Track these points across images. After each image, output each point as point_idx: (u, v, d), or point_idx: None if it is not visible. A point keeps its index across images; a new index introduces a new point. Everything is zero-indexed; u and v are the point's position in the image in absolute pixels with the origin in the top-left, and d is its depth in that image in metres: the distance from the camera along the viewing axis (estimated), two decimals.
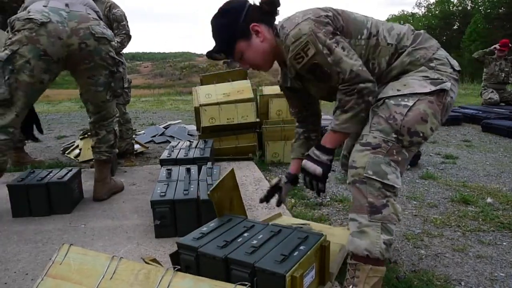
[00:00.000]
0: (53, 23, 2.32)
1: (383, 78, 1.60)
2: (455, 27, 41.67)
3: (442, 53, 1.60)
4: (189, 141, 3.66)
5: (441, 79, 1.51)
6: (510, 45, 7.58)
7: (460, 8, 41.68)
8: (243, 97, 3.91)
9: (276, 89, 4.60)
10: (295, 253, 1.41)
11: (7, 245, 2.12)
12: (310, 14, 1.51)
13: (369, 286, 1.46)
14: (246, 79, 4.33)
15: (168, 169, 2.60)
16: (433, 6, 43.98)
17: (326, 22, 1.50)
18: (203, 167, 2.68)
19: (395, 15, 50.47)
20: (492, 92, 7.43)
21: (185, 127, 5.47)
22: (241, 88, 4.03)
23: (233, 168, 1.97)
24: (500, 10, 34.58)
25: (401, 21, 47.20)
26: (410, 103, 1.46)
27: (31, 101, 2.47)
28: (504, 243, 2.19)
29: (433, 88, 1.48)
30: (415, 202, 2.80)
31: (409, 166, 3.67)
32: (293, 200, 2.80)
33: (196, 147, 3.39)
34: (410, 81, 1.51)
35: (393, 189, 1.46)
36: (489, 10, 36.16)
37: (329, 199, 2.85)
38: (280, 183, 1.97)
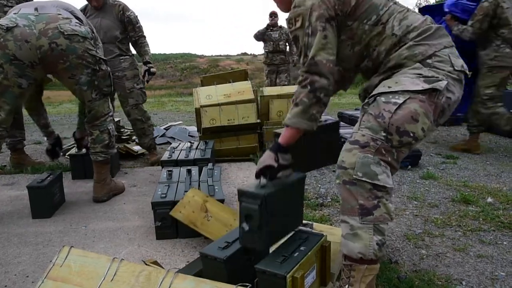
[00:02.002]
0: (19, 27, 2.34)
1: (380, 68, 1.57)
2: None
3: (447, 51, 1.51)
4: (190, 142, 3.66)
5: (436, 77, 1.43)
6: None
7: None
8: (243, 98, 3.91)
9: (276, 90, 4.61)
10: (296, 254, 1.41)
11: (7, 248, 2.12)
12: None
13: (365, 285, 1.45)
14: (246, 80, 4.33)
15: (169, 171, 2.60)
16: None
17: (333, 4, 1.50)
18: (204, 168, 2.69)
19: None
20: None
21: (185, 128, 5.47)
22: (242, 89, 4.03)
23: (194, 186, 2.16)
24: None
25: None
26: (400, 101, 1.41)
27: (15, 104, 2.53)
28: (505, 243, 2.18)
29: (426, 86, 1.41)
30: (416, 202, 2.80)
31: (409, 166, 3.67)
32: None
33: (197, 148, 3.39)
34: (402, 78, 1.46)
35: (385, 188, 1.42)
36: None
37: (330, 200, 2.85)
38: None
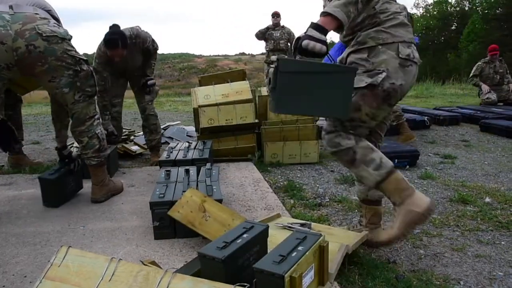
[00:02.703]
0: None
1: (351, 27, 1.86)
2: (453, 27, 41.71)
3: (403, 44, 1.81)
4: (188, 142, 3.66)
5: (378, 70, 1.78)
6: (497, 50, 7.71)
7: (458, 8, 41.73)
8: (241, 98, 3.91)
9: None
10: (294, 254, 1.41)
11: (5, 248, 2.12)
12: None
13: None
14: (244, 80, 4.33)
15: (167, 171, 2.60)
16: (431, 6, 43.99)
17: None
18: (202, 168, 2.68)
19: None
20: (489, 92, 7.46)
21: (184, 128, 5.46)
22: (240, 89, 4.03)
23: (192, 186, 2.18)
24: (498, 11, 34.63)
25: None
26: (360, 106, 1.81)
27: None
28: (503, 242, 2.19)
29: (368, 81, 1.77)
30: None
31: (407, 166, 3.68)
32: (292, 201, 2.80)
33: (195, 148, 3.39)
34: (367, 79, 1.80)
35: (352, 146, 1.86)
36: (486, 11, 36.20)
37: (328, 200, 2.85)
38: None
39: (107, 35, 3.41)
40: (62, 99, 2.56)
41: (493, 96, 7.41)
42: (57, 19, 2.56)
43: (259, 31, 7.57)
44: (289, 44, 7.53)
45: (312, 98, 1.70)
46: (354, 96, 1.78)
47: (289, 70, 1.63)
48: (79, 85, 2.53)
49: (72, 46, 2.49)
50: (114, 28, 3.49)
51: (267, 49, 7.66)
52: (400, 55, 1.78)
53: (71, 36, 2.52)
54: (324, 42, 1.63)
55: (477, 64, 7.85)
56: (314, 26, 1.65)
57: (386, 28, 1.81)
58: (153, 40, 3.84)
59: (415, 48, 1.87)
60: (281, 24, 7.57)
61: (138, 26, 3.77)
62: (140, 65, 3.85)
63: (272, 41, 7.54)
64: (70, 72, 2.47)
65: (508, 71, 7.68)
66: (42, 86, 2.58)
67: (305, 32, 1.64)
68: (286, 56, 1.82)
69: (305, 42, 1.61)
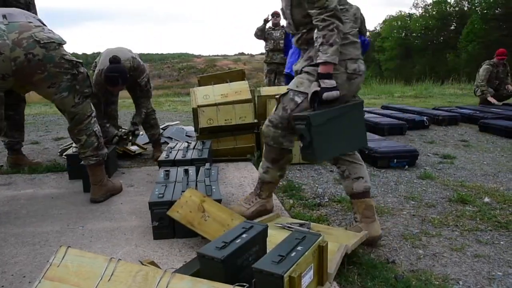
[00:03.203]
0: None
1: (306, 40, 2.12)
2: (452, 27, 41.74)
3: (352, 64, 2.06)
4: (187, 142, 3.66)
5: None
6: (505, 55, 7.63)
7: (457, 8, 41.76)
8: (241, 98, 3.91)
9: (273, 90, 4.60)
10: (293, 254, 1.41)
11: (4, 248, 2.11)
12: None
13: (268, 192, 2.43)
14: (244, 80, 4.33)
15: (166, 171, 2.60)
16: (430, 6, 44.02)
17: None
18: (201, 168, 2.68)
19: (392, 15, 50.49)
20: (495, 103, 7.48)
21: (183, 128, 5.46)
22: (239, 89, 4.03)
23: (191, 186, 2.22)
24: (497, 11, 34.67)
25: (399, 21, 47.28)
26: (299, 101, 2.06)
27: None
28: (502, 242, 2.19)
29: (314, 89, 1.95)
30: (413, 202, 2.80)
31: (406, 166, 3.68)
32: (291, 201, 2.80)
33: (194, 148, 3.38)
34: (305, 81, 2.06)
35: (289, 150, 2.26)
36: (485, 11, 36.23)
37: (327, 200, 2.85)
38: None
39: (108, 71, 3.40)
40: (61, 104, 2.56)
41: (490, 90, 7.53)
42: (44, 25, 2.55)
43: (257, 28, 7.55)
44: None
45: (340, 137, 1.96)
46: (304, 100, 2.04)
47: (319, 123, 1.86)
48: (78, 88, 2.55)
49: (66, 51, 2.49)
50: (115, 62, 3.50)
51: (267, 49, 7.65)
52: (348, 70, 2.03)
53: (65, 41, 2.52)
54: (336, 88, 1.93)
55: (484, 67, 7.53)
56: (323, 76, 1.93)
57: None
58: (147, 80, 3.89)
59: (361, 61, 2.11)
60: (281, 24, 7.54)
61: (138, 56, 3.82)
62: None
63: (272, 41, 7.53)
64: (69, 77, 2.48)
65: (509, 76, 7.61)
66: (39, 93, 2.54)
67: (318, 86, 1.92)
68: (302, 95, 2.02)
69: (325, 95, 1.90)
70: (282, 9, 2.18)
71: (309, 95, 1.96)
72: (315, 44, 1.95)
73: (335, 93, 1.91)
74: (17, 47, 2.25)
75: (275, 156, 2.26)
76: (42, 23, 2.51)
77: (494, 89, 7.58)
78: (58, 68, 2.41)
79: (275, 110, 2.18)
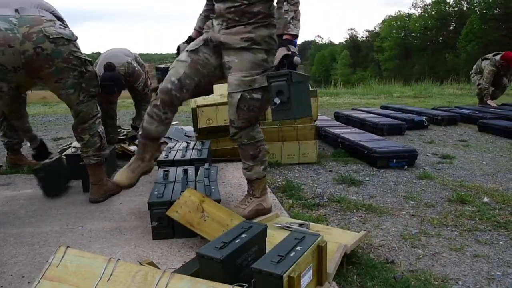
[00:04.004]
0: (1, 31, 2.23)
1: (243, 12, 2.15)
2: (451, 27, 41.80)
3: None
4: (186, 142, 3.65)
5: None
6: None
7: (456, 9, 41.83)
8: None
9: None
10: (292, 254, 1.41)
11: (3, 248, 2.11)
12: None
13: (260, 190, 2.45)
14: None
15: (165, 171, 2.60)
16: (429, 7, 44.09)
17: None
18: (200, 168, 2.68)
19: (391, 15, 50.56)
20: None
21: (182, 128, 5.46)
22: None
23: (190, 187, 2.25)
24: (496, 11, 34.74)
25: (398, 21, 47.31)
26: (260, 96, 2.20)
27: None
28: (501, 242, 2.19)
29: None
30: (412, 202, 2.80)
31: (406, 166, 3.69)
32: (290, 201, 2.80)
33: (193, 148, 3.38)
34: (255, 77, 2.16)
35: (262, 139, 2.38)
36: (484, 11, 36.29)
37: (326, 200, 2.85)
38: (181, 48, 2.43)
39: (103, 79, 3.38)
40: (67, 99, 2.59)
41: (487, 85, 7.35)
42: (61, 19, 2.56)
43: None
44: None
45: (303, 101, 2.04)
46: (264, 95, 2.18)
47: (297, 80, 1.96)
48: (84, 86, 2.56)
49: (78, 47, 2.51)
50: (110, 70, 3.51)
51: None
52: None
53: (77, 37, 2.54)
54: (293, 52, 2.05)
55: (490, 69, 7.17)
56: (289, 42, 2.05)
57: (273, 35, 2.20)
58: (144, 84, 3.92)
59: None
60: None
61: (138, 56, 3.82)
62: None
63: None
64: (76, 74, 2.49)
65: (510, 81, 7.41)
66: (48, 87, 2.58)
67: (288, 50, 2.03)
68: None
69: (295, 59, 2.02)
70: None
71: (279, 59, 2.04)
72: (285, 16, 2.09)
73: (299, 59, 2.05)
74: (27, 41, 2.29)
75: (253, 152, 2.35)
76: (58, 17, 2.54)
77: (496, 85, 7.41)
78: (66, 63, 2.42)
79: (234, 116, 2.26)
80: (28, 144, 3.92)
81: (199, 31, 2.45)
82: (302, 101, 2.03)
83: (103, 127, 2.79)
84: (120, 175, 2.32)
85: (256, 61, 2.18)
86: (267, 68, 2.18)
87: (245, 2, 2.13)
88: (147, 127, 2.30)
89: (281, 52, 2.04)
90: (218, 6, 2.20)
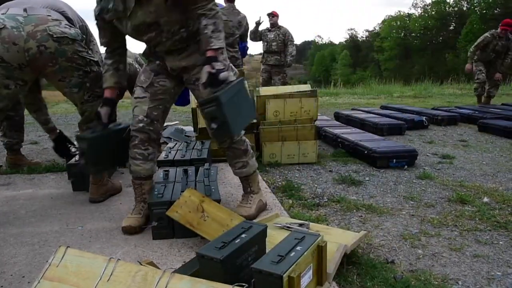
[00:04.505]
0: (7, 29, 2.27)
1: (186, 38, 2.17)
2: (451, 27, 41.80)
3: None
4: (186, 142, 3.65)
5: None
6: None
7: (456, 9, 41.83)
8: None
9: (273, 90, 4.61)
10: (292, 254, 1.41)
11: (3, 248, 2.11)
12: None
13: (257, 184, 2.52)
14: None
15: (165, 171, 2.60)
16: (429, 7, 44.10)
17: None
18: (200, 168, 2.68)
19: (391, 15, 50.57)
20: (479, 70, 7.39)
21: (182, 128, 5.45)
22: None
23: (191, 186, 2.24)
24: (496, 11, 34.75)
25: (398, 21, 47.32)
26: None
27: (3, 105, 2.46)
28: (501, 242, 2.19)
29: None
30: (412, 202, 2.80)
31: (406, 166, 3.68)
32: (290, 201, 2.80)
33: (193, 148, 3.38)
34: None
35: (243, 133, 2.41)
36: (484, 11, 36.30)
37: (326, 200, 2.85)
38: (98, 108, 2.32)
39: None
40: (71, 98, 2.62)
41: (481, 76, 7.37)
42: (71, 20, 2.56)
43: (251, 31, 7.51)
44: (285, 44, 7.45)
45: (242, 111, 2.04)
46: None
47: (226, 100, 1.90)
48: (89, 85, 2.56)
49: (84, 47, 2.52)
50: None
51: (263, 50, 7.65)
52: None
53: (83, 37, 2.56)
54: (226, 69, 2.04)
55: (484, 35, 7.29)
56: (214, 59, 1.99)
57: None
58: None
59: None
60: (279, 24, 7.51)
61: (138, 56, 3.82)
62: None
63: (266, 43, 7.49)
64: (80, 73, 2.50)
65: (510, 52, 7.23)
66: (53, 84, 2.61)
67: (212, 68, 1.96)
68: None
69: (222, 75, 1.95)
70: (154, 22, 2.11)
71: (204, 79, 1.98)
72: (205, 31, 2.01)
73: (227, 73, 1.99)
74: (31, 39, 2.31)
75: (243, 147, 2.40)
76: (67, 17, 2.54)
77: (488, 62, 7.34)
78: (70, 62, 2.44)
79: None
80: (28, 144, 3.91)
81: (115, 87, 2.33)
82: (239, 113, 2.02)
83: None
84: (127, 221, 2.29)
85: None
86: (227, 65, 2.20)
87: (182, 31, 2.15)
88: (135, 169, 2.33)
89: (205, 71, 1.99)
90: (160, 48, 2.22)
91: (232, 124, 1.93)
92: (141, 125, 2.27)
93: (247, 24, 5.38)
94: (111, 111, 2.32)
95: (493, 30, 7.32)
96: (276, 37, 7.41)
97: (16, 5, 2.44)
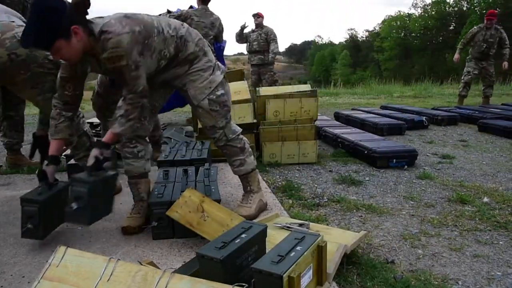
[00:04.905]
0: None
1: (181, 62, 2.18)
2: (451, 27, 41.77)
3: None
4: (186, 142, 3.65)
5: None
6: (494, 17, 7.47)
7: (456, 8, 41.80)
8: (240, 98, 3.91)
9: (273, 90, 4.61)
10: (292, 254, 1.41)
11: (3, 248, 2.11)
12: (128, 27, 1.89)
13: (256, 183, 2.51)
14: (243, 80, 4.32)
15: (165, 171, 2.60)
16: (429, 7, 44.06)
17: (141, 39, 1.94)
18: (200, 168, 2.68)
19: (391, 15, 50.56)
20: (470, 67, 7.48)
21: (182, 128, 5.46)
22: (238, 89, 4.03)
23: (191, 186, 2.23)
24: (496, 11, 34.75)
25: (398, 21, 47.30)
26: (223, 91, 2.27)
27: None
28: (501, 242, 2.19)
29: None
30: (412, 202, 2.80)
31: (406, 166, 3.68)
32: (290, 201, 2.80)
33: (193, 148, 3.38)
34: (210, 77, 2.21)
35: (241, 131, 2.43)
36: (484, 11, 36.19)
37: (326, 200, 2.85)
38: (43, 167, 2.20)
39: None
40: (45, 105, 2.49)
41: (475, 72, 7.47)
42: None
43: (236, 34, 7.62)
44: (268, 43, 7.47)
45: (98, 208, 2.00)
46: (224, 87, 2.29)
47: (98, 190, 1.94)
48: None
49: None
50: None
51: (246, 50, 7.78)
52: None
53: None
54: (110, 158, 2.02)
55: (473, 28, 7.61)
56: (105, 146, 1.99)
57: (198, 43, 2.24)
58: None
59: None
60: (263, 25, 7.52)
61: None
62: None
63: (248, 44, 7.59)
64: (53, 77, 2.41)
65: (506, 42, 7.33)
66: (22, 95, 2.51)
67: (101, 154, 1.96)
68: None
69: (106, 164, 1.98)
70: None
71: (91, 162, 1.96)
72: (116, 112, 2.02)
73: (110, 164, 2.01)
74: (0, 47, 2.24)
75: (240, 145, 2.39)
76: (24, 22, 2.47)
77: (481, 52, 7.38)
78: (41, 68, 2.39)
79: (213, 121, 2.27)
80: (28, 144, 3.90)
81: (68, 139, 2.28)
82: (101, 204, 2.03)
83: (88, 126, 2.73)
84: (127, 221, 2.28)
85: (203, 67, 2.22)
86: (214, 65, 2.25)
87: (163, 63, 2.15)
88: (128, 168, 2.34)
89: (92, 155, 1.97)
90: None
91: (91, 211, 1.93)
92: None
93: (220, 25, 5.45)
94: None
95: (480, 24, 7.55)
96: (258, 36, 7.48)
97: None
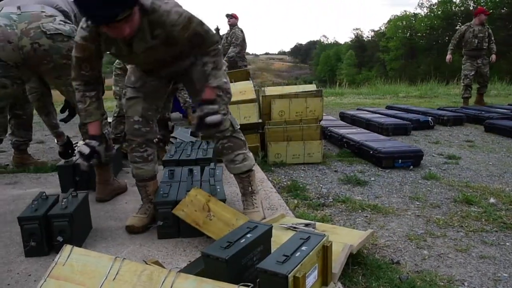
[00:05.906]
0: (0, 27, 2.26)
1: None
2: (457, 27, 41.55)
3: None
4: (191, 142, 3.66)
5: None
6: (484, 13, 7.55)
7: (462, 8, 41.55)
8: (245, 98, 3.91)
9: (278, 90, 4.61)
10: (297, 254, 1.41)
11: (10, 246, 2.13)
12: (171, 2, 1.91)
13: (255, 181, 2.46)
14: (248, 79, 4.32)
15: (170, 170, 2.60)
16: (435, 6, 43.85)
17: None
18: (205, 167, 2.68)
19: (397, 15, 50.36)
20: (467, 69, 7.51)
21: (187, 128, 5.47)
22: (244, 89, 4.03)
23: (196, 186, 2.23)
24: (503, 10, 34.48)
25: (403, 21, 47.13)
26: (226, 79, 2.18)
27: (2, 104, 2.48)
28: (507, 243, 2.18)
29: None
30: (418, 203, 2.79)
31: (411, 167, 3.67)
32: (295, 201, 2.80)
33: (198, 148, 3.38)
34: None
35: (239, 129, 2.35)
36: (491, 11, 36.04)
37: (331, 200, 2.85)
38: (96, 148, 2.07)
39: None
40: (69, 96, 2.59)
41: (471, 73, 7.50)
42: (67, 14, 2.54)
43: None
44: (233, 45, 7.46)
45: (81, 239, 2.16)
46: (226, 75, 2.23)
47: (79, 221, 2.10)
48: None
49: None
50: None
51: None
52: None
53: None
54: (217, 112, 1.99)
55: (461, 27, 7.77)
56: (208, 102, 1.98)
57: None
58: None
59: None
60: (237, 27, 7.48)
61: None
62: None
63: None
64: None
65: (492, 38, 7.44)
66: (50, 83, 2.59)
67: (202, 111, 1.94)
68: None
69: (211, 118, 1.93)
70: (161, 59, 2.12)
71: (195, 125, 1.99)
72: (205, 68, 2.01)
73: (214, 118, 1.95)
74: (25, 36, 2.31)
75: (243, 137, 2.35)
76: (63, 11, 2.52)
77: (475, 48, 7.41)
78: (65, 60, 2.40)
79: (218, 107, 2.10)
80: (34, 143, 3.93)
81: (101, 119, 2.22)
82: (82, 230, 2.16)
83: (109, 128, 2.76)
84: (131, 220, 2.28)
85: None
86: (219, 49, 2.10)
87: (169, 59, 2.13)
88: (137, 172, 2.31)
89: (196, 115, 1.99)
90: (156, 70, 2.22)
91: (76, 238, 2.03)
92: (136, 126, 2.23)
93: None
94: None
95: (469, 22, 7.68)
96: (225, 40, 7.46)
97: (10, 3, 2.42)
